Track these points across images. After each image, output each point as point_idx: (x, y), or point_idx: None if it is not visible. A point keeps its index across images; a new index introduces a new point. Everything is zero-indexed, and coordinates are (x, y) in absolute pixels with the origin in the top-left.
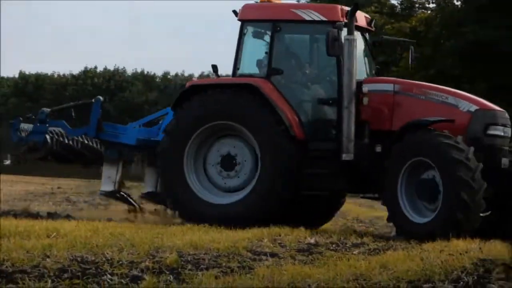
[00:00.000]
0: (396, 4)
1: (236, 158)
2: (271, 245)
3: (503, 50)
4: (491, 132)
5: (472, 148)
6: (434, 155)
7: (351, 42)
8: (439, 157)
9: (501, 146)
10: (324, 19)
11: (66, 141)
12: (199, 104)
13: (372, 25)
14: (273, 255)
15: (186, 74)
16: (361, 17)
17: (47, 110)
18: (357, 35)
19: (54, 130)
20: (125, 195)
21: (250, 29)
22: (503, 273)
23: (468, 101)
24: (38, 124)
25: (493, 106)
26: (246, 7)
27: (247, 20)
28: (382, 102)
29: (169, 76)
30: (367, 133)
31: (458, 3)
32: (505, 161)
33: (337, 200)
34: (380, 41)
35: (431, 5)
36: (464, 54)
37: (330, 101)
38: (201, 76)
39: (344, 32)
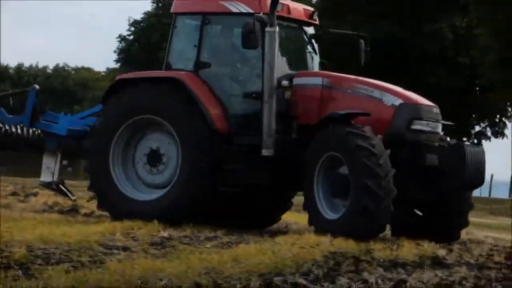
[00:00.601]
0: None
1: (162, 154)
2: (124, 238)
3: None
4: (415, 127)
5: (379, 136)
6: (341, 147)
7: (271, 34)
8: (345, 147)
9: (426, 142)
10: (250, 11)
11: (4, 129)
12: (124, 98)
13: (314, 17)
14: (125, 249)
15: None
16: (297, 9)
17: None
18: (289, 28)
19: None
20: (62, 187)
21: (181, 23)
22: (352, 266)
23: (393, 95)
24: None
25: (419, 100)
26: (178, 0)
27: (179, 13)
28: (310, 97)
29: (23, 68)
30: (295, 128)
31: None
32: (431, 158)
33: (285, 201)
34: (326, 34)
35: None
36: None
37: (254, 95)
38: (56, 68)
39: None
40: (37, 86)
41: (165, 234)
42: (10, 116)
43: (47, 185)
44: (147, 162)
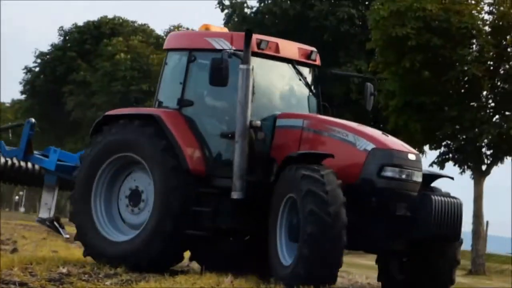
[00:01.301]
0: (162, 35)
1: (142, 194)
2: (21, 274)
3: None
4: (386, 173)
5: (329, 171)
6: (294, 188)
7: (244, 71)
8: (297, 188)
9: (399, 190)
10: (233, 47)
11: (3, 161)
12: (107, 135)
13: (313, 57)
14: (22, 284)
15: None
16: (290, 49)
17: None
18: (278, 67)
19: None
20: (56, 224)
21: (171, 59)
22: None
23: (366, 139)
24: None
25: (393, 146)
26: (170, 36)
27: (170, 49)
28: (290, 138)
29: None
30: (275, 171)
31: None
32: (401, 207)
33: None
34: (328, 75)
35: None
36: None
37: (230, 136)
38: None
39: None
40: (33, 120)
41: (64, 270)
42: (8, 148)
43: (43, 222)
44: (129, 202)
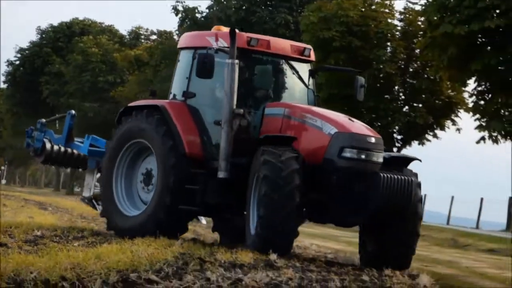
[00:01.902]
0: (125, 35)
1: (153, 174)
2: (1, 236)
3: None
4: (344, 154)
5: (287, 148)
6: (258, 166)
7: (229, 66)
8: (259, 164)
9: (356, 169)
10: (226, 45)
11: (56, 148)
12: (124, 124)
13: (306, 53)
14: (2, 245)
15: None
16: (281, 45)
17: (43, 120)
18: (269, 62)
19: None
20: (94, 202)
21: (182, 57)
22: (198, 266)
23: (331, 124)
24: (38, 133)
25: (354, 129)
26: (182, 37)
27: (181, 48)
28: (273, 125)
29: None
30: None
31: (176, 37)
32: (359, 185)
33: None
34: (319, 69)
35: (154, 37)
36: None
37: (220, 123)
38: None
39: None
40: (73, 111)
41: (38, 233)
42: (56, 137)
43: (84, 200)
44: (143, 181)
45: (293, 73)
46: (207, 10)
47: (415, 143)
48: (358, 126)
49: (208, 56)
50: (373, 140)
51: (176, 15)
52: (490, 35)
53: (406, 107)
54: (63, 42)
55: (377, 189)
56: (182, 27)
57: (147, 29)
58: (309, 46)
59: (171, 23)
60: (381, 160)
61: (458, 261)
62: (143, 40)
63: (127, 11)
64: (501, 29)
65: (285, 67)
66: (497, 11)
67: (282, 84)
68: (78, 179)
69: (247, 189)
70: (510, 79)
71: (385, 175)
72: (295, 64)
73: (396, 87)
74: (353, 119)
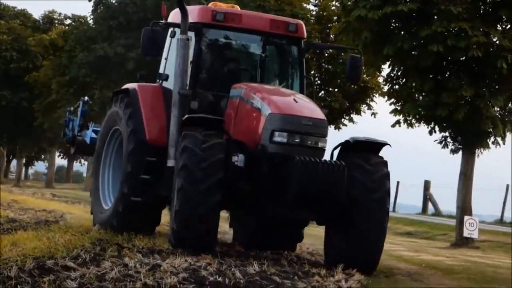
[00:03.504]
0: (38, 19)
1: None
2: None
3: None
4: (275, 139)
5: (213, 139)
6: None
7: (179, 42)
8: (179, 154)
9: (287, 154)
10: (193, 21)
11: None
12: (108, 110)
13: (292, 29)
14: None
15: None
16: (257, 20)
17: (70, 109)
18: (242, 38)
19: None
20: None
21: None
22: (115, 252)
23: (268, 104)
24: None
25: (288, 110)
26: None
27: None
28: (232, 107)
29: None
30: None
31: (91, 21)
32: (291, 170)
33: (298, 230)
34: (310, 47)
35: (68, 21)
36: (93, 66)
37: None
38: None
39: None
40: (86, 98)
41: None
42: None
43: None
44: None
45: (274, 52)
46: None
47: (331, 128)
48: (297, 107)
49: (154, 33)
50: (309, 122)
51: (89, 0)
52: (404, 19)
53: (322, 92)
54: None
55: (293, 176)
56: (96, 12)
57: (61, 13)
58: (296, 21)
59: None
60: (321, 144)
61: None
62: (57, 25)
63: None
64: (414, 14)
65: (262, 45)
66: None
67: (257, 64)
68: None
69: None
70: (423, 63)
71: (301, 159)
72: (277, 41)
73: (312, 72)
74: (300, 98)
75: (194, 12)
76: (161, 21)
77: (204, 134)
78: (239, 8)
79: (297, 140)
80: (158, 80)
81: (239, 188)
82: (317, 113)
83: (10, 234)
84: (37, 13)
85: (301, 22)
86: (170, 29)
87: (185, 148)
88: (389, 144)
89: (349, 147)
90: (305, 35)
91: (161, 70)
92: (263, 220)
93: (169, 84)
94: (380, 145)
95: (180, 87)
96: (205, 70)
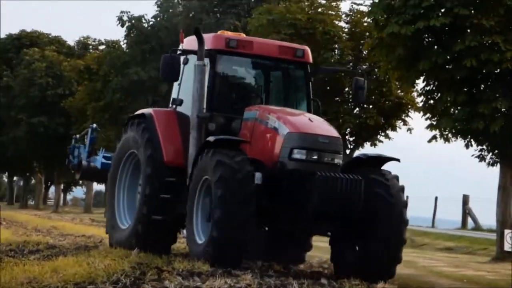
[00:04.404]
0: (73, 45)
1: None
2: None
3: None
4: (294, 156)
5: (243, 156)
6: (209, 169)
7: (196, 68)
8: (210, 168)
9: (306, 172)
10: (208, 47)
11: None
12: (123, 135)
13: (299, 55)
14: None
15: None
16: (267, 46)
17: (76, 136)
18: (252, 64)
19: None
20: None
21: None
22: (155, 275)
23: (285, 124)
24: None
25: (305, 129)
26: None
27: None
28: (248, 129)
29: None
30: None
31: (124, 46)
32: (312, 186)
33: (305, 240)
34: (316, 71)
35: (102, 47)
36: (128, 90)
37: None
38: None
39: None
40: (95, 125)
41: None
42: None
43: None
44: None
45: (283, 76)
46: (153, 20)
47: (367, 145)
48: (312, 125)
49: (172, 59)
50: (326, 140)
51: (122, 26)
52: (436, 34)
53: (357, 108)
54: (14, 53)
55: (314, 191)
56: (129, 37)
57: (95, 39)
58: (303, 47)
59: (119, 33)
60: (337, 161)
61: (415, 260)
62: (91, 50)
63: (73, 22)
64: (446, 28)
65: (271, 70)
66: (442, 10)
67: (268, 87)
68: (32, 192)
69: (189, 196)
70: (457, 77)
71: (323, 175)
72: (285, 66)
73: (346, 89)
74: (314, 118)
75: (208, 40)
76: (179, 48)
77: (231, 150)
78: (245, 36)
79: (315, 157)
80: (171, 105)
81: (258, 204)
82: (332, 131)
83: (50, 261)
84: (70, 39)
85: (307, 48)
86: (183, 57)
87: (220, 162)
88: (398, 159)
89: (359, 163)
90: (311, 59)
91: (174, 95)
92: (275, 233)
93: (183, 109)
94: (389, 159)
95: (198, 110)
96: (220, 94)
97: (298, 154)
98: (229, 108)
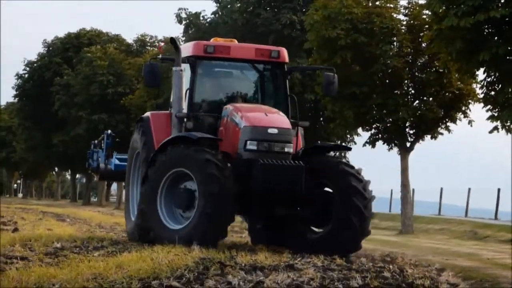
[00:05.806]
0: (132, 43)
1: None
2: (22, 249)
3: None
4: (248, 147)
5: (219, 154)
6: (190, 163)
7: (175, 73)
8: (195, 167)
9: (256, 159)
10: (189, 54)
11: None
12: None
13: (274, 55)
14: (23, 258)
15: None
16: (244, 50)
17: (94, 142)
18: (231, 67)
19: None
20: None
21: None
22: (218, 270)
23: (243, 119)
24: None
25: (257, 122)
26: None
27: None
28: (222, 125)
29: None
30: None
31: (183, 43)
32: (256, 172)
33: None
34: (292, 70)
35: (160, 44)
36: None
37: None
38: None
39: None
40: (109, 131)
41: (58, 245)
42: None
43: None
44: None
45: (260, 76)
46: (212, 16)
47: (427, 137)
48: (266, 119)
49: (152, 66)
50: (275, 131)
51: (180, 23)
52: (497, 25)
53: (416, 101)
54: (73, 52)
55: (257, 177)
56: (187, 34)
57: (152, 36)
58: (278, 48)
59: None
60: (287, 150)
61: (479, 253)
62: (149, 48)
63: (131, 20)
64: (507, 19)
65: (249, 71)
66: (502, 0)
67: (246, 87)
68: (94, 189)
69: (150, 181)
70: None
71: (264, 162)
72: (262, 67)
73: (405, 82)
74: (271, 113)
75: (189, 47)
76: (158, 56)
77: (201, 146)
78: (236, 42)
79: (265, 146)
80: (170, 108)
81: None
82: (283, 123)
83: (115, 257)
84: (128, 37)
85: (283, 48)
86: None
87: (208, 160)
88: (350, 148)
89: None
90: (287, 59)
91: (171, 99)
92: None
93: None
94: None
95: (177, 110)
96: (200, 95)
97: (250, 145)
98: (209, 108)
